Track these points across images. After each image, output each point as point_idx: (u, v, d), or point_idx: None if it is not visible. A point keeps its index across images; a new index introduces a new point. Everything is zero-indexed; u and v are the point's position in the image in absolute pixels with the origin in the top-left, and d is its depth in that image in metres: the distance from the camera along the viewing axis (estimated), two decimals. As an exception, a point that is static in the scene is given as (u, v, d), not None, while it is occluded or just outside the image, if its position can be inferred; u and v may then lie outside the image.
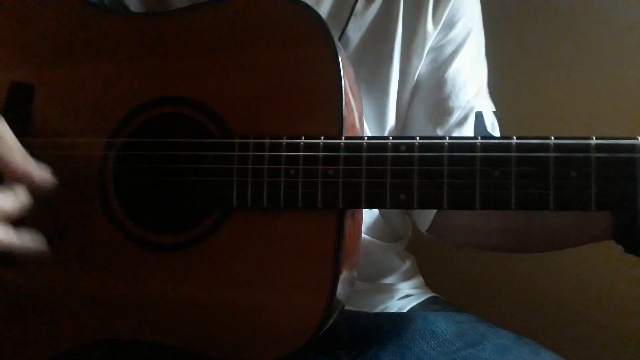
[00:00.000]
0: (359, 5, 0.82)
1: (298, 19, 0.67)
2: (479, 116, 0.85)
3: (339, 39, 0.80)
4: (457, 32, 0.86)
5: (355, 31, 0.82)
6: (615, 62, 1.17)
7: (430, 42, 0.84)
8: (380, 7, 0.83)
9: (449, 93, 0.85)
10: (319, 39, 0.66)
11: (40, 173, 0.62)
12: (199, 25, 0.70)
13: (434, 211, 0.87)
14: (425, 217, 0.88)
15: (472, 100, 0.86)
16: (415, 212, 0.90)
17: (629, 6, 1.16)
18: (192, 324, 0.67)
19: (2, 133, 0.59)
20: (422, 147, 0.62)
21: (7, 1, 0.73)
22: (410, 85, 0.85)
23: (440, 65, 0.86)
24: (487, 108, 0.88)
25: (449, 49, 0.86)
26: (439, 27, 0.84)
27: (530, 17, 1.25)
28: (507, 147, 0.60)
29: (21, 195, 0.60)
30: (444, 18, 0.83)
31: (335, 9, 0.82)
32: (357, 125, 0.70)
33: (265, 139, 0.65)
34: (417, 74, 0.85)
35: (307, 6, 0.67)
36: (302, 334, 0.64)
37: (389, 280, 0.93)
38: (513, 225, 0.81)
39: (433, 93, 0.86)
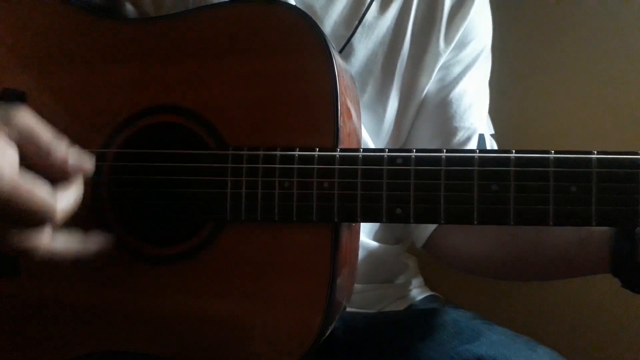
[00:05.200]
0: (369, 16, 0.80)
1: (294, 28, 0.65)
2: (482, 138, 0.84)
3: (343, 48, 0.79)
4: (468, 52, 0.84)
5: (361, 42, 0.80)
6: (621, 71, 1.14)
7: (441, 61, 0.82)
8: (391, 22, 0.81)
9: (454, 113, 0.84)
10: (315, 48, 0.64)
11: (89, 163, 0.57)
12: (194, 33, 0.68)
13: (431, 229, 0.86)
14: (422, 233, 0.87)
15: (475, 122, 0.85)
16: (413, 225, 0.89)
17: (631, 8, 1.12)
18: (186, 336, 0.66)
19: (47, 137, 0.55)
20: (419, 160, 0.60)
21: None
22: (416, 101, 0.84)
23: (447, 85, 0.84)
24: (488, 131, 0.87)
25: (458, 69, 0.84)
26: (451, 46, 0.82)
27: (534, 26, 1.21)
28: (505, 161, 0.59)
29: (79, 189, 0.57)
30: (457, 37, 0.82)
31: (345, 16, 0.80)
32: (355, 133, 0.69)
33: (259, 150, 0.63)
34: (425, 91, 0.83)
35: (303, 15, 0.65)
36: (299, 346, 0.64)
37: (393, 281, 0.93)
38: (507, 255, 0.80)
39: (438, 112, 0.84)
